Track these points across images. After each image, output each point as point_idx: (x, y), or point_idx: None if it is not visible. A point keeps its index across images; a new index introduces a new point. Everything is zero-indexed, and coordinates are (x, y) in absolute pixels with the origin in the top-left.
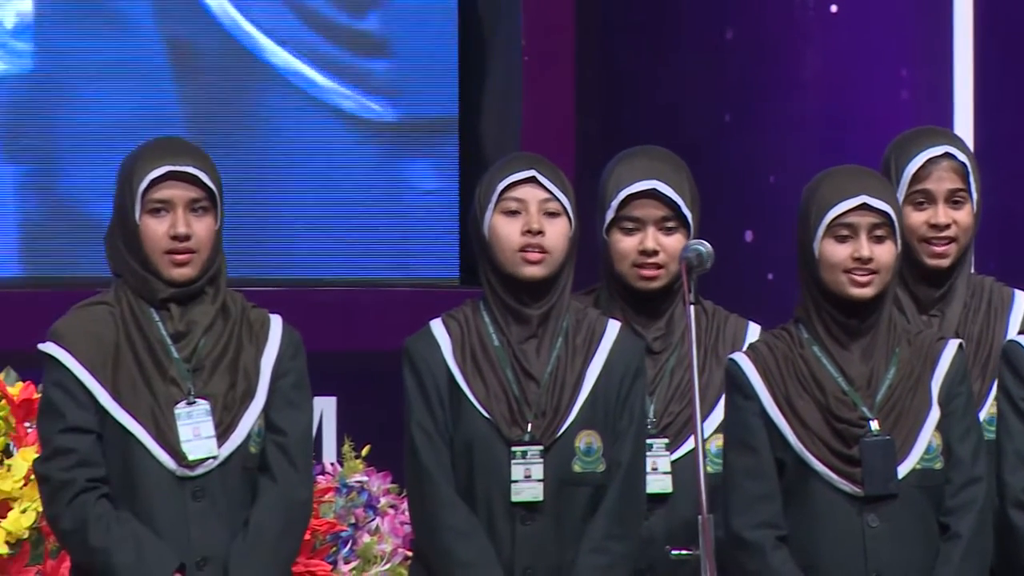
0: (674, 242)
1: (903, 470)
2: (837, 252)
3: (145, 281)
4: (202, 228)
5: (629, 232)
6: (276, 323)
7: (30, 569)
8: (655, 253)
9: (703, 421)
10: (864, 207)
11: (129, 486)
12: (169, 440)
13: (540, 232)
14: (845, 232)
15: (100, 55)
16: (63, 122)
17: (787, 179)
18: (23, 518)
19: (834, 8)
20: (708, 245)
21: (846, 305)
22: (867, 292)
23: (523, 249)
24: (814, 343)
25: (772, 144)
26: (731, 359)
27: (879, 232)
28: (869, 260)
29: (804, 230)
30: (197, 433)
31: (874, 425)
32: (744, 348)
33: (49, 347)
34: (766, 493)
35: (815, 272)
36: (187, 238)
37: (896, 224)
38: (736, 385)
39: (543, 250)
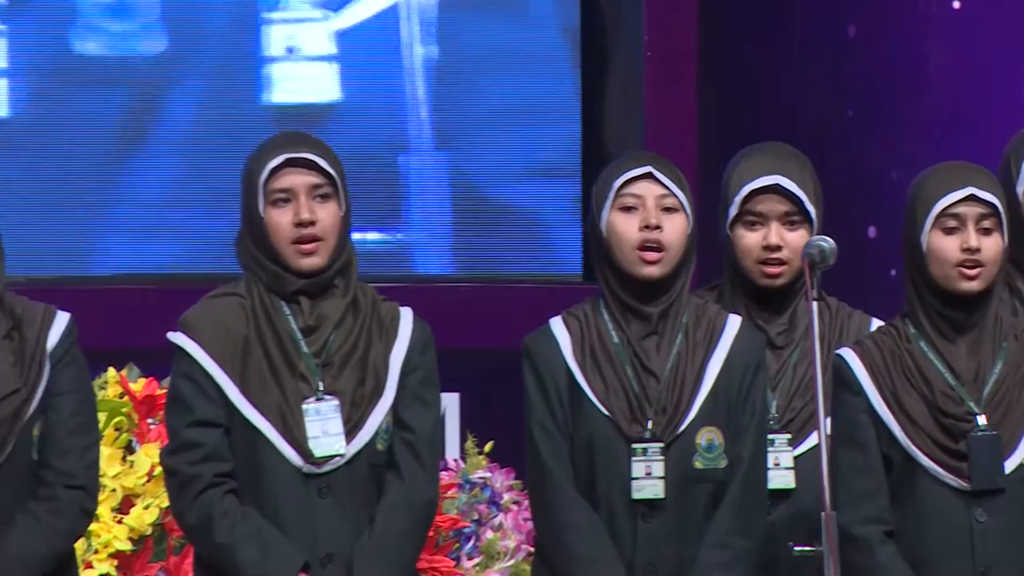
0: (797, 238)
1: (1010, 465)
2: (945, 244)
3: (275, 275)
4: (326, 214)
5: (752, 227)
6: (407, 317)
7: (153, 565)
8: (778, 249)
9: (826, 417)
10: (971, 199)
11: (255, 482)
12: (296, 436)
13: (658, 227)
14: (952, 223)
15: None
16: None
17: (910, 175)
18: (146, 514)
19: (957, 4)
20: (831, 241)
21: (953, 299)
22: (975, 286)
23: (641, 246)
24: (920, 338)
25: (895, 140)
26: (837, 354)
27: (986, 224)
28: (977, 250)
29: (911, 224)
30: (325, 430)
31: (981, 420)
32: (851, 344)
33: (178, 337)
34: (873, 489)
35: (922, 266)
36: (311, 224)
37: (1003, 217)
38: (843, 381)
39: (661, 247)
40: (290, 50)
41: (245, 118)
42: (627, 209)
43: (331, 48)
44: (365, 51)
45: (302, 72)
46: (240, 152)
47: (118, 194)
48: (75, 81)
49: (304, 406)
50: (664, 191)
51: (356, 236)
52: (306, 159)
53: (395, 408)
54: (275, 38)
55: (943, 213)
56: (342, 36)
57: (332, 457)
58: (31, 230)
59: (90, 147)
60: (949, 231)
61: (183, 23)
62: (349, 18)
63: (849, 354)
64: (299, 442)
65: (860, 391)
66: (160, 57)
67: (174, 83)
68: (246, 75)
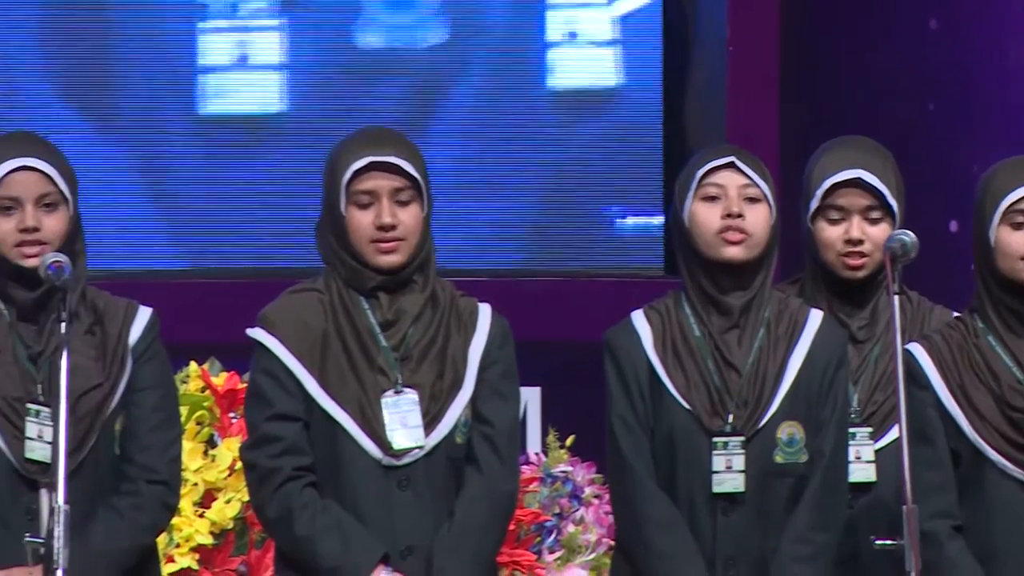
0: (879, 232)
1: None
2: (1012, 239)
3: (354, 271)
4: (408, 216)
5: (834, 221)
6: (485, 312)
7: (234, 559)
8: (860, 242)
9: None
10: None
11: (335, 475)
12: (376, 429)
13: (740, 215)
14: (1020, 219)
15: None
16: None
17: None
18: (228, 508)
19: None
20: (912, 235)
21: (1021, 293)
22: None
23: (723, 231)
24: (988, 332)
25: (976, 133)
26: (906, 349)
27: None
28: None
29: (980, 219)
30: (404, 423)
31: None
32: (918, 338)
33: (258, 333)
34: (942, 483)
35: (990, 260)
36: (393, 228)
37: None
38: (912, 375)
39: (743, 232)
40: (572, 35)
41: (528, 105)
42: (710, 199)
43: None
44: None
45: (582, 56)
46: (522, 139)
47: None
48: (355, 74)
49: (383, 399)
50: (747, 181)
51: (437, 230)
52: (390, 163)
53: (474, 402)
54: (556, 24)
55: (1011, 208)
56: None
57: (411, 450)
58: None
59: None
60: (1017, 226)
61: (463, 13)
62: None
63: (917, 348)
64: (378, 435)
65: (928, 385)
66: (440, 48)
67: (454, 73)
68: (528, 62)
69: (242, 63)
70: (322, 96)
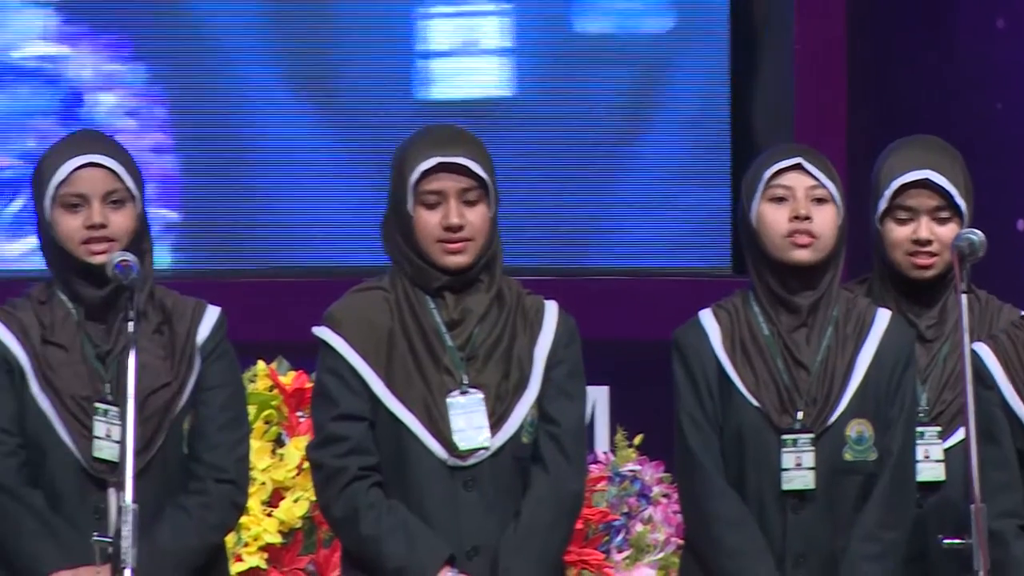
0: (947, 232)
1: None
2: None
3: (420, 270)
4: (475, 216)
5: (903, 222)
6: (551, 310)
7: (303, 558)
8: (928, 243)
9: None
10: None
11: (401, 475)
12: (441, 430)
13: (808, 217)
14: None
15: None
16: None
17: None
18: (296, 507)
19: None
20: (980, 234)
21: None
22: None
23: (791, 234)
24: None
25: None
26: (972, 349)
27: None
28: None
29: None
30: (470, 423)
31: None
32: (985, 338)
33: (323, 332)
34: (1008, 482)
35: None
36: (460, 228)
37: None
38: (977, 375)
39: (811, 235)
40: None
41: None
42: (777, 200)
43: None
44: None
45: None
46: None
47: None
48: (578, 60)
49: (449, 399)
50: (814, 182)
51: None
52: (459, 164)
53: (540, 401)
54: None
55: None
56: None
57: (477, 450)
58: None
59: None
60: None
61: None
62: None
63: (983, 348)
64: (444, 435)
65: (993, 385)
66: (666, 35)
67: (679, 61)
68: None
69: (463, 48)
70: (546, 81)
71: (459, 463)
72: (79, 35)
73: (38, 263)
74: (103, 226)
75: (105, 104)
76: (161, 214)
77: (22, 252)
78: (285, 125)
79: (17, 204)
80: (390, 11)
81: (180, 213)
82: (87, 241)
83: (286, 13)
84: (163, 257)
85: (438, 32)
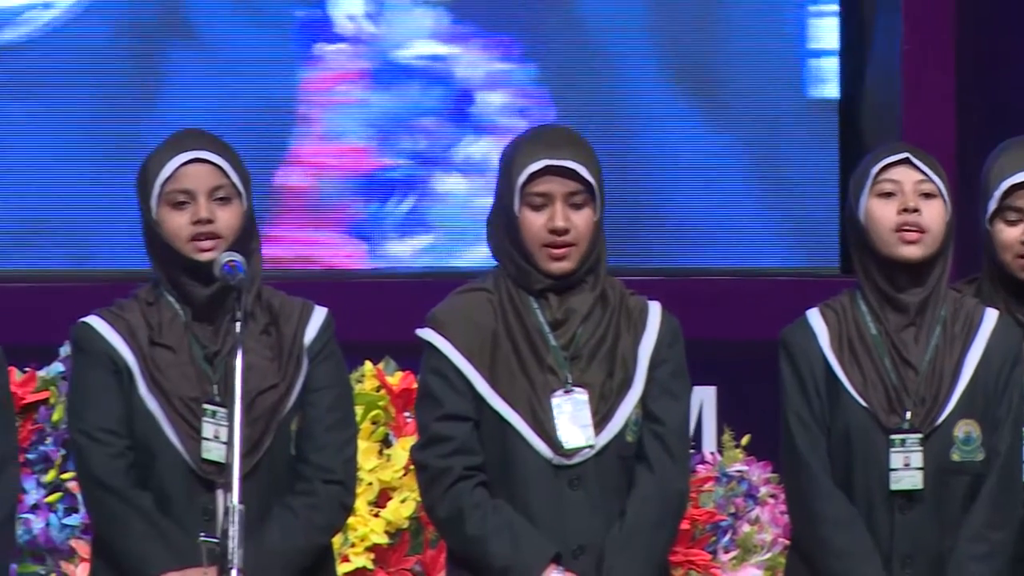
0: None
1: None
2: None
3: (524, 271)
4: (580, 220)
5: (1012, 223)
6: (655, 310)
7: (409, 559)
8: None
9: None
10: None
11: (505, 474)
12: (546, 429)
13: (916, 210)
14: None
15: None
16: None
17: None
18: (403, 508)
19: None
20: None
21: None
22: None
23: (900, 229)
24: None
25: None
26: None
27: None
28: None
29: None
30: (574, 422)
31: None
32: None
33: (427, 333)
34: None
35: None
36: (565, 231)
37: None
38: None
39: (920, 229)
40: None
41: None
42: (885, 195)
43: None
44: None
45: None
46: None
47: None
48: None
49: (553, 399)
50: (922, 176)
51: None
52: (566, 167)
53: (644, 400)
54: None
55: None
56: None
57: (581, 449)
58: None
59: None
60: None
61: None
62: None
63: None
64: (548, 434)
65: None
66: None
67: (788, 61)
68: None
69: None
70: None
71: (564, 462)
72: (468, 35)
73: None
74: (209, 221)
75: (494, 103)
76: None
77: (413, 252)
78: (670, 124)
79: (407, 203)
80: (779, 8)
81: (786, 213)
82: (194, 238)
83: (671, 11)
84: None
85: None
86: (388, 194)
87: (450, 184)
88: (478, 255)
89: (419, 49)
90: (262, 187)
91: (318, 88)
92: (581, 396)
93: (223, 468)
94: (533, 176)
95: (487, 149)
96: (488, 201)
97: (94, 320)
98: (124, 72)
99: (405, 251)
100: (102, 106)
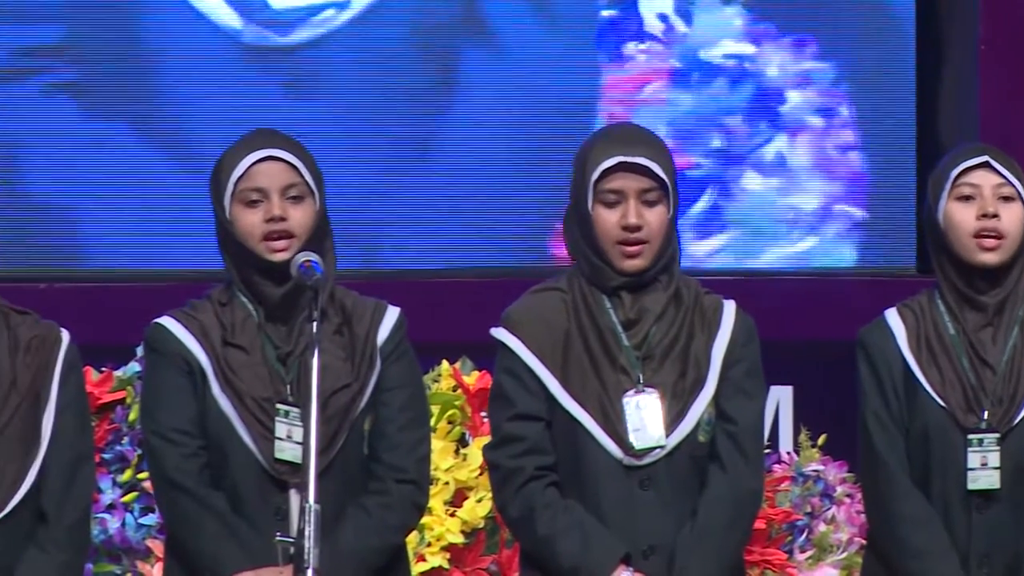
0: None
1: None
2: None
3: (598, 269)
4: (653, 217)
5: (966, 199)
6: (729, 310)
7: (485, 558)
8: None
9: None
10: None
11: (576, 474)
12: (617, 429)
13: (995, 215)
14: None
15: None
16: None
17: None
18: (478, 507)
19: None
20: None
21: None
22: None
23: (978, 235)
24: None
25: None
26: None
27: None
28: None
29: None
30: (645, 422)
31: None
32: None
33: (501, 333)
34: None
35: None
36: (638, 228)
37: None
38: None
39: (999, 235)
40: None
41: None
42: (964, 199)
43: None
44: None
45: None
46: None
47: None
48: None
49: (624, 399)
50: (1001, 180)
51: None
52: (639, 164)
53: (717, 400)
54: None
55: None
56: None
57: (652, 449)
58: None
59: None
60: None
61: None
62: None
63: None
64: (619, 434)
65: None
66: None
67: (865, 61)
68: None
69: None
70: None
71: (635, 462)
72: (767, 34)
73: None
74: (282, 219)
75: (793, 102)
76: (849, 212)
77: (708, 251)
78: None
79: (705, 200)
80: None
81: (866, 212)
82: (266, 237)
83: None
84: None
85: None
86: (697, 194)
87: (750, 182)
88: (776, 254)
89: (722, 48)
90: (557, 189)
91: (624, 89)
92: (653, 396)
93: (296, 468)
94: (606, 173)
95: (786, 147)
96: (783, 200)
97: (167, 321)
98: (417, 71)
99: (703, 249)
100: (394, 104)
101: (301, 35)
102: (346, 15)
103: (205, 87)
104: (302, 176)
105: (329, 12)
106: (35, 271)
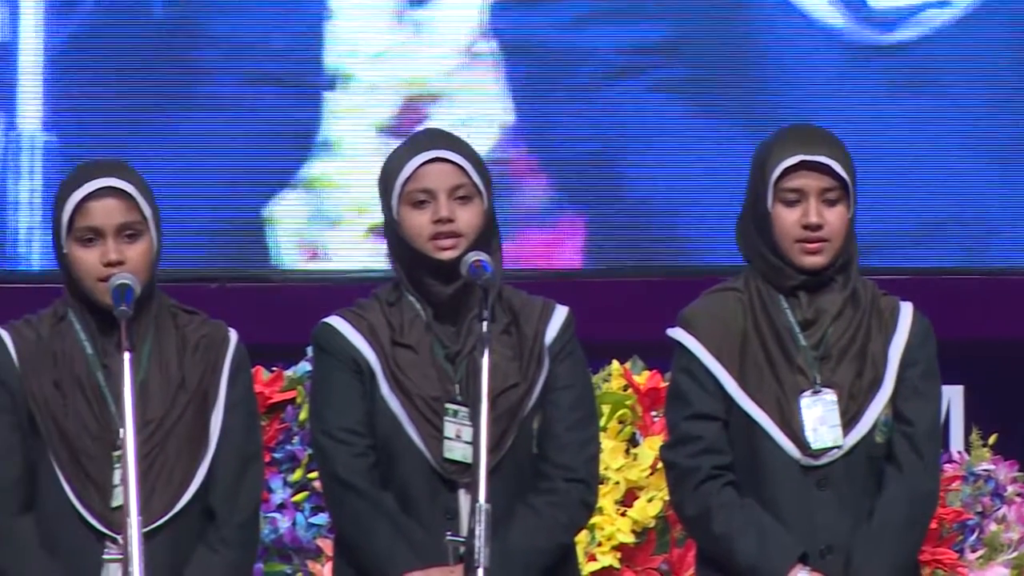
0: None
1: None
2: None
3: (776, 269)
4: (834, 217)
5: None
6: (906, 311)
7: (656, 558)
8: None
9: None
10: None
11: (754, 474)
12: (794, 429)
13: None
14: None
15: None
16: None
17: None
18: (649, 507)
19: None
20: None
21: None
22: None
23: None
24: None
25: None
26: None
27: None
28: None
29: None
30: (822, 422)
31: None
32: None
33: (678, 333)
34: None
35: None
36: (819, 227)
37: None
38: None
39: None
40: None
41: None
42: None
43: None
44: None
45: None
46: None
47: None
48: None
49: (801, 399)
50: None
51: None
52: (821, 163)
53: (894, 401)
54: None
55: None
56: None
57: (829, 449)
58: None
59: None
60: None
61: None
62: None
63: None
64: (796, 434)
65: None
66: None
67: None
68: None
69: None
70: None
71: (812, 462)
72: None
73: None
74: (450, 220)
75: None
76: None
77: (878, 247)
78: None
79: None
80: None
81: None
82: (435, 237)
83: None
84: None
85: None
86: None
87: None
88: (948, 252)
89: None
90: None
91: None
92: (830, 396)
93: (465, 467)
94: (787, 172)
95: None
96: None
97: (336, 320)
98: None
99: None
100: (996, 102)
101: (904, 34)
102: (948, 13)
103: (807, 86)
104: (469, 177)
105: (931, 12)
106: (211, 272)
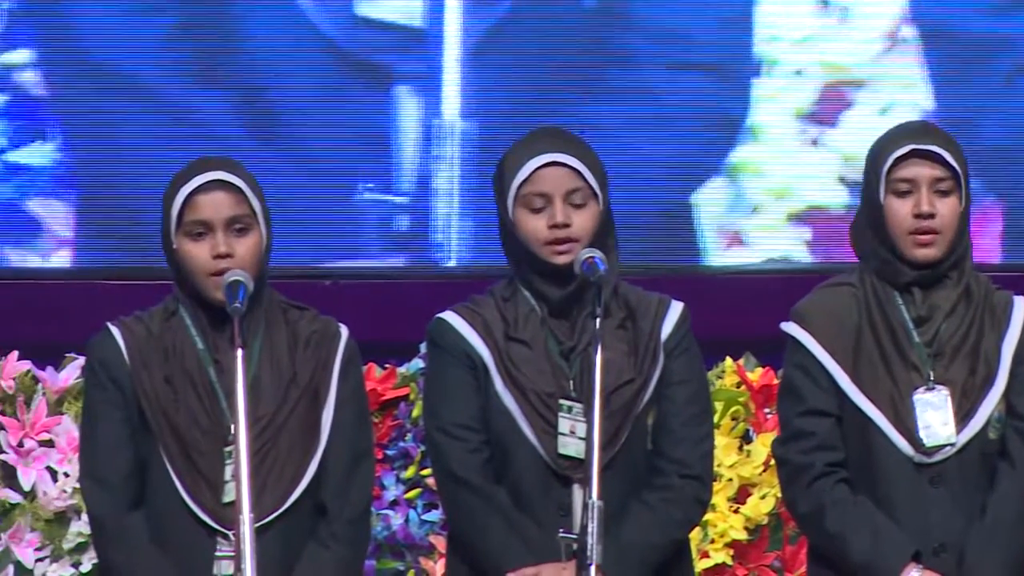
0: None
1: None
2: None
3: (889, 264)
4: (946, 209)
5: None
6: (1019, 306)
7: (769, 555)
8: None
9: None
10: None
11: (867, 471)
12: (907, 426)
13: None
14: None
15: None
16: None
17: None
18: (762, 504)
19: None
20: None
21: None
22: None
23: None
24: None
25: None
26: None
27: None
28: None
29: None
30: (935, 419)
31: None
32: None
33: (791, 328)
34: None
35: None
36: (931, 217)
37: None
38: None
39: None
40: None
41: None
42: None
43: None
44: None
45: None
46: None
47: None
48: None
49: (915, 396)
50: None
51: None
52: (932, 151)
53: (1007, 397)
54: None
55: None
56: None
57: (943, 446)
58: None
59: None
60: None
61: None
62: None
63: None
64: (910, 432)
65: None
66: None
67: None
68: None
69: None
70: None
71: (925, 459)
72: None
73: None
74: (566, 225)
75: None
76: None
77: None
78: None
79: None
80: None
81: None
82: (551, 242)
83: None
84: None
85: None
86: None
87: None
88: None
89: None
90: None
91: None
92: (943, 393)
93: (579, 463)
94: (898, 163)
95: None
96: None
97: (450, 316)
98: None
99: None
100: None
101: None
102: None
103: None
104: (586, 181)
105: None
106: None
